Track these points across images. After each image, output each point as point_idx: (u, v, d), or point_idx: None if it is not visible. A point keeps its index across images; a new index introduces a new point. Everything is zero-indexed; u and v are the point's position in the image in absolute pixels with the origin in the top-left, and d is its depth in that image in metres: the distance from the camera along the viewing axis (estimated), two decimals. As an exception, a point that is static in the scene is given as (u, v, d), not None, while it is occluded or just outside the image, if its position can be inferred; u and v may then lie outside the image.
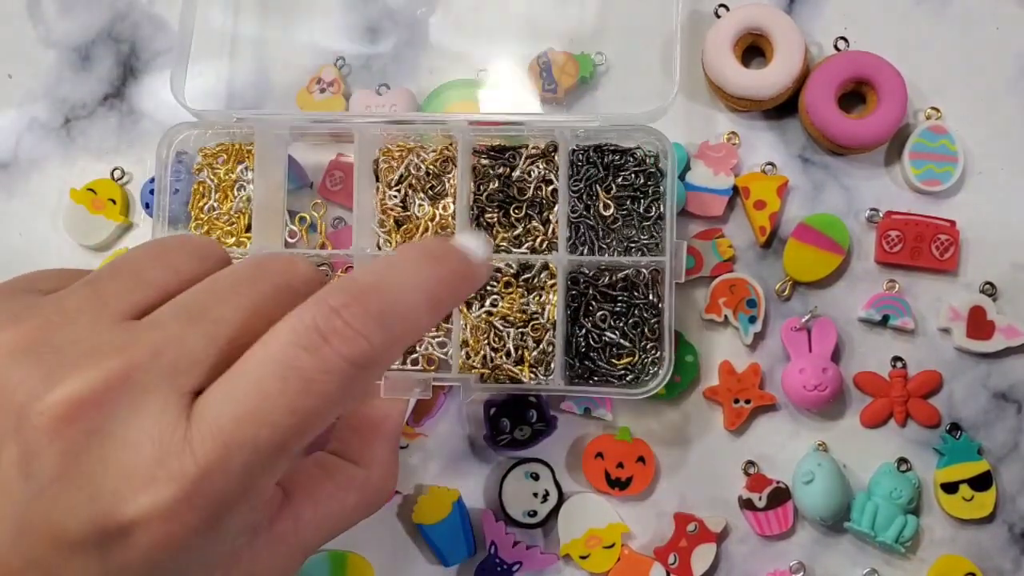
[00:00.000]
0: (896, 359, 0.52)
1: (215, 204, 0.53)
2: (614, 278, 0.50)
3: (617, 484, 0.51)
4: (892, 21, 0.55)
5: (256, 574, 0.34)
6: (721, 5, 0.55)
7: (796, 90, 0.53)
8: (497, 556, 0.51)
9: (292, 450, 0.31)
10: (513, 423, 0.51)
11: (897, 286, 0.52)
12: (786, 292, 0.53)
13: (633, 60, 0.55)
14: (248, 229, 0.52)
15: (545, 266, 0.51)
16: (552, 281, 0.50)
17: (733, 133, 0.54)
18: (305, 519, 0.35)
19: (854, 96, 0.54)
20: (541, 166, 0.52)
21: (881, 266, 0.53)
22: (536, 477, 0.52)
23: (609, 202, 0.51)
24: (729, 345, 0.53)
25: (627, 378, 0.50)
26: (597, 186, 0.51)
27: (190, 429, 0.30)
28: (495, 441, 0.52)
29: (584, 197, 0.51)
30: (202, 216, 0.53)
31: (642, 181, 0.51)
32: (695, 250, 0.52)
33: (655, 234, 0.50)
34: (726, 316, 0.52)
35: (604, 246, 0.51)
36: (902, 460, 0.51)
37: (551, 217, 0.51)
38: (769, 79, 0.52)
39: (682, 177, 0.53)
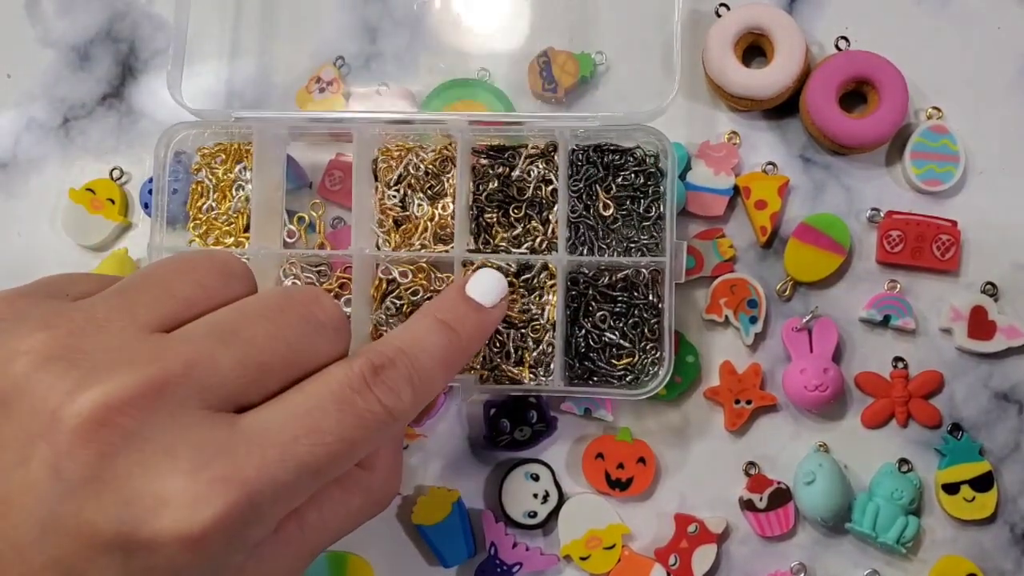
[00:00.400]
0: (897, 359, 0.52)
1: (213, 204, 0.53)
2: (614, 278, 0.50)
3: (617, 485, 0.51)
4: (893, 21, 0.55)
5: None
6: (722, 4, 0.55)
7: (797, 90, 0.53)
8: (497, 557, 0.51)
9: (327, 476, 0.33)
10: (513, 424, 0.51)
11: (898, 286, 0.52)
12: (787, 292, 0.52)
13: (633, 60, 0.55)
14: (246, 229, 0.52)
15: (545, 266, 0.51)
16: (552, 281, 0.50)
17: (734, 133, 0.54)
18: (310, 523, 0.36)
19: (855, 96, 0.54)
20: (541, 166, 0.52)
21: (882, 266, 0.53)
22: (536, 478, 0.52)
23: (609, 202, 0.51)
24: (730, 345, 0.53)
25: (627, 379, 0.50)
26: (597, 186, 0.51)
27: (234, 439, 0.31)
28: (495, 442, 0.51)
29: (584, 197, 0.51)
30: (200, 216, 0.53)
31: (642, 181, 0.51)
32: (696, 250, 0.52)
33: (655, 234, 0.50)
34: (727, 316, 0.52)
35: (604, 246, 0.50)
36: (903, 461, 0.51)
37: (551, 217, 0.51)
38: (770, 79, 0.52)
39: (683, 177, 0.53)
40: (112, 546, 0.29)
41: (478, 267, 0.49)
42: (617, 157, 0.51)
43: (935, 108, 0.53)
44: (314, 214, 0.55)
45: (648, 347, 0.50)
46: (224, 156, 0.53)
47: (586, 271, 0.50)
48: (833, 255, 0.52)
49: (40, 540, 0.29)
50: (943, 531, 0.51)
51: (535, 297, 0.51)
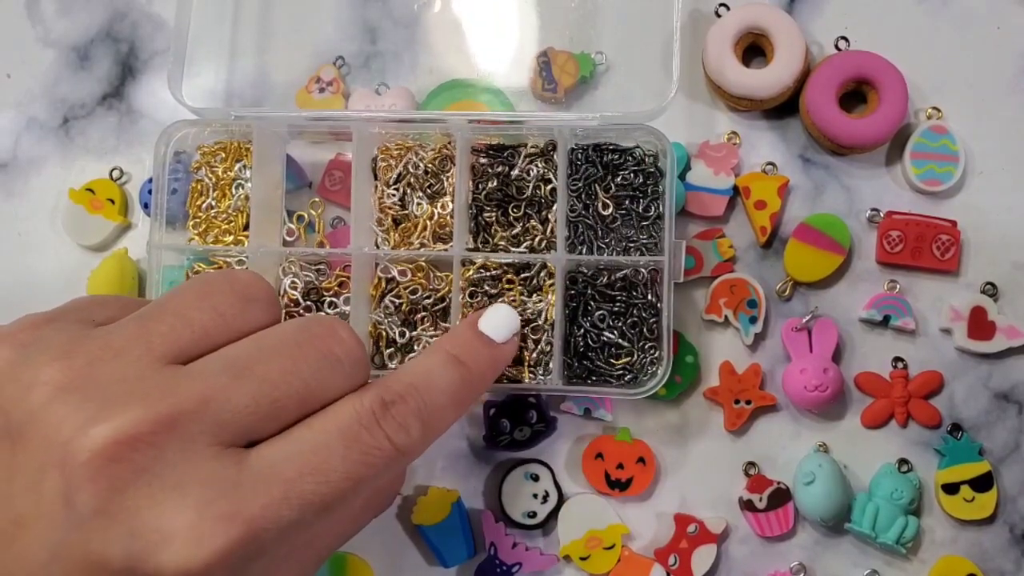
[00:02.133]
0: (897, 359, 0.52)
1: (213, 202, 0.53)
2: (613, 278, 0.50)
3: (617, 485, 0.51)
4: (893, 20, 0.55)
5: None
6: (722, 4, 0.55)
7: (797, 90, 0.53)
8: (497, 557, 0.51)
9: (334, 511, 0.34)
10: (513, 424, 0.51)
11: (898, 286, 0.52)
12: (787, 292, 0.52)
13: (633, 59, 0.55)
14: (246, 228, 0.52)
15: (543, 265, 0.51)
16: (551, 281, 0.50)
17: (734, 133, 0.54)
18: (317, 533, 0.36)
19: (855, 96, 0.54)
20: (540, 165, 0.52)
21: (882, 266, 0.53)
22: (536, 478, 0.52)
23: (608, 201, 0.51)
24: (729, 345, 0.53)
25: (625, 378, 0.50)
26: (596, 185, 0.51)
27: (241, 476, 0.32)
28: (495, 442, 0.51)
29: (583, 196, 0.51)
30: (200, 214, 0.53)
31: (641, 181, 0.51)
32: (695, 250, 0.52)
33: (654, 234, 0.50)
34: (726, 316, 0.52)
35: (603, 246, 0.50)
36: (903, 461, 0.51)
37: (550, 216, 0.51)
38: (770, 79, 0.52)
39: (682, 177, 0.53)
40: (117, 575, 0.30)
41: (491, 303, 0.49)
42: (616, 157, 0.51)
43: (935, 108, 0.53)
44: (313, 213, 0.55)
45: (647, 347, 0.50)
46: (224, 155, 0.53)
47: (585, 270, 0.50)
48: (833, 255, 0.52)
49: (48, 565, 0.30)
50: (943, 531, 0.51)
51: (534, 296, 0.51)
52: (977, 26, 0.54)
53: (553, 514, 0.51)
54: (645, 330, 0.50)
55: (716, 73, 0.53)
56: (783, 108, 0.54)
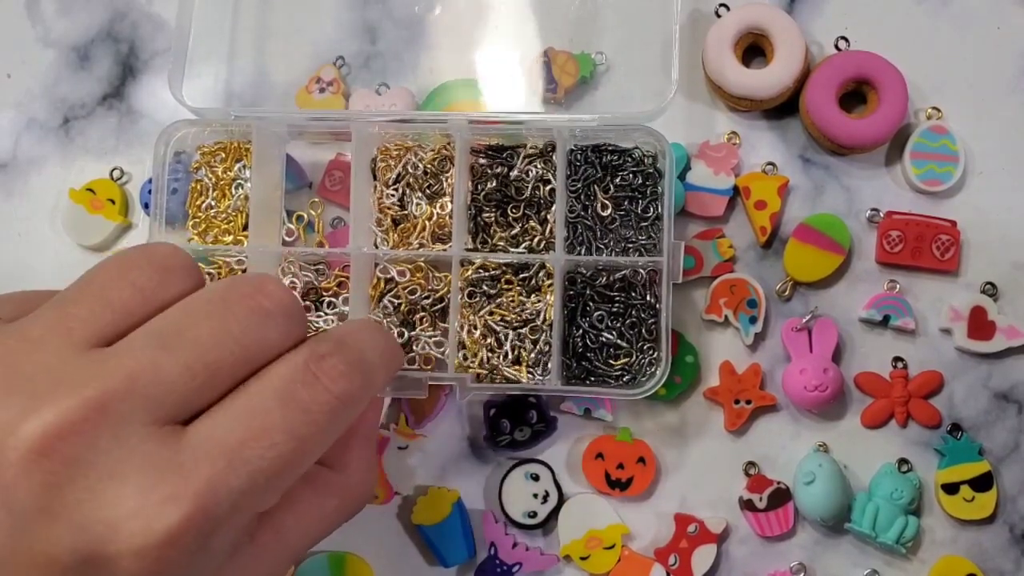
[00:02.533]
0: (897, 359, 0.52)
1: (212, 202, 0.53)
2: (611, 278, 0.50)
3: (617, 485, 0.51)
4: (893, 21, 0.55)
5: None
6: (721, 4, 0.55)
7: (797, 90, 0.53)
8: (497, 557, 0.51)
9: (287, 477, 0.32)
10: (513, 424, 0.51)
11: (898, 286, 0.52)
12: (787, 292, 0.52)
13: (633, 60, 0.55)
14: (245, 227, 0.52)
15: (542, 266, 0.51)
16: (549, 281, 0.50)
17: (734, 133, 0.54)
18: (287, 528, 0.36)
19: (855, 96, 0.54)
20: (539, 166, 0.52)
21: (882, 266, 0.53)
22: (536, 478, 0.52)
23: (607, 202, 0.51)
24: (729, 345, 0.53)
25: (624, 379, 0.50)
26: (595, 186, 0.51)
27: (181, 454, 0.30)
28: (495, 442, 0.51)
29: (582, 197, 0.51)
30: (200, 214, 0.53)
31: (640, 181, 0.51)
32: (695, 250, 0.52)
33: (653, 234, 0.50)
34: (726, 316, 0.52)
35: (602, 246, 0.50)
36: (903, 461, 0.51)
37: (549, 217, 0.51)
38: (769, 79, 0.52)
39: (682, 177, 0.53)
40: (71, 571, 0.29)
41: (490, 303, 0.50)
42: (615, 157, 0.51)
43: (935, 108, 0.53)
44: (313, 213, 0.55)
45: (645, 347, 0.50)
46: (224, 154, 0.53)
47: (584, 271, 0.50)
48: (833, 255, 0.52)
49: (0, 569, 0.29)
50: (943, 531, 0.51)
51: (533, 297, 0.51)
52: (977, 26, 0.54)
53: (553, 514, 0.51)
54: (644, 331, 0.50)
55: (716, 73, 0.53)
56: (783, 108, 0.54)
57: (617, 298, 0.50)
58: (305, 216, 0.54)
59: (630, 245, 0.50)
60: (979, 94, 0.54)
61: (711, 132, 0.54)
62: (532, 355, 0.50)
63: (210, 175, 0.53)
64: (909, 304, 0.52)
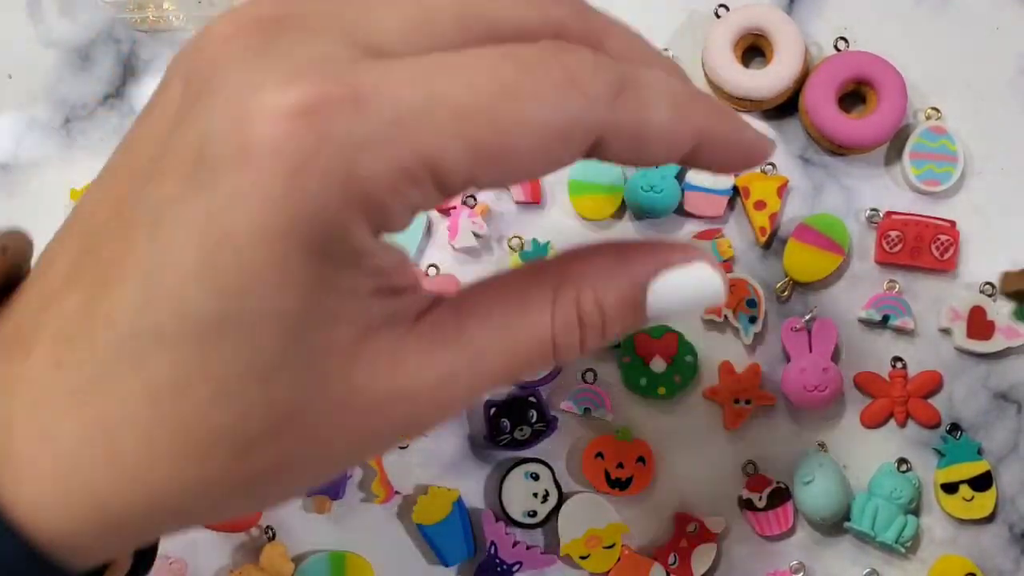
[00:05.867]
0: (896, 359, 0.52)
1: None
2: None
3: (617, 484, 0.51)
4: (892, 21, 0.55)
5: (405, 384, 0.25)
6: (721, 5, 0.55)
7: (796, 90, 0.53)
8: (497, 556, 0.51)
9: (464, 149, 0.24)
10: (513, 423, 0.51)
11: (897, 286, 0.52)
12: (786, 292, 0.52)
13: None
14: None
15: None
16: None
17: (733, 133, 0.54)
18: (479, 341, 0.26)
19: (854, 96, 0.54)
20: (540, 166, 0.52)
21: (881, 266, 0.53)
22: (536, 477, 0.52)
23: (609, 202, 0.51)
24: (729, 345, 0.53)
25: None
26: (597, 186, 0.51)
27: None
28: (495, 441, 0.52)
29: (584, 197, 0.51)
30: (202, 216, 0.53)
31: (641, 181, 0.51)
32: (695, 250, 0.52)
33: (654, 234, 0.50)
34: (726, 316, 0.52)
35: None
36: (902, 460, 0.51)
37: (551, 217, 0.51)
38: (769, 79, 0.52)
39: (681, 177, 0.53)
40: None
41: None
42: (616, 157, 0.51)
43: (934, 108, 0.53)
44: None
45: (647, 347, 0.50)
46: (224, 156, 0.53)
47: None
48: (832, 255, 0.52)
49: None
50: (942, 531, 0.51)
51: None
52: (977, 26, 0.54)
53: (553, 513, 0.52)
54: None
55: (715, 74, 0.53)
56: (782, 108, 0.54)
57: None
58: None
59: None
60: (979, 94, 0.54)
61: (711, 132, 0.54)
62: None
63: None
64: (908, 304, 0.52)
